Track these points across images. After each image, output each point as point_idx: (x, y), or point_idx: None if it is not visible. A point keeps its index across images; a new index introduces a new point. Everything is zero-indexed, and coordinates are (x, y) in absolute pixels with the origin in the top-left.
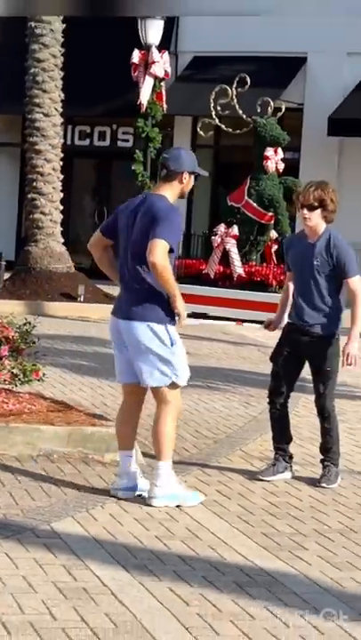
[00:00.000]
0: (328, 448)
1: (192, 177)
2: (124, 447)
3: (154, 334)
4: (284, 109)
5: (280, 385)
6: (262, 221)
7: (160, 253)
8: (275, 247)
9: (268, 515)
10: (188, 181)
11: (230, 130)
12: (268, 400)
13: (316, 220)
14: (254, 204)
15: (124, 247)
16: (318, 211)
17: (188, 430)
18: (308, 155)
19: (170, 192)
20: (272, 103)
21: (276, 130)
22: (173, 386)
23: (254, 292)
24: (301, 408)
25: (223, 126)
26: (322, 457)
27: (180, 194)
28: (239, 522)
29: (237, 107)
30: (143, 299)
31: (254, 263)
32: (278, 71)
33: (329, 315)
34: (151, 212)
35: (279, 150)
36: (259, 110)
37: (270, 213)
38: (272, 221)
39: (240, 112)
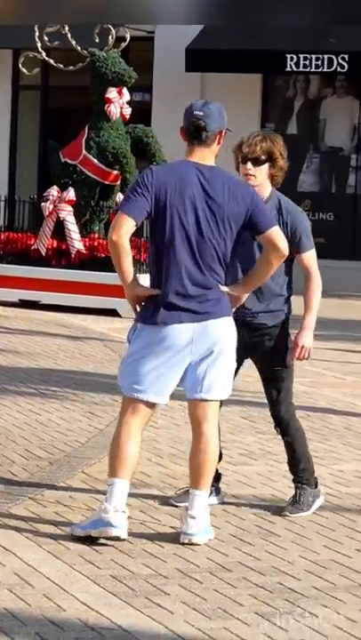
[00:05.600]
0: (295, 465)
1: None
2: (128, 476)
3: (233, 329)
4: (129, 39)
5: None
6: (106, 182)
7: None
8: None
9: (119, 552)
10: (222, 142)
11: (61, 66)
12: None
13: (262, 177)
14: (95, 161)
15: (189, 237)
16: (266, 166)
17: (16, 450)
18: (161, 96)
19: (212, 158)
20: (113, 31)
21: (120, 65)
22: None
23: (98, 271)
24: (160, 416)
25: (52, 61)
26: (292, 477)
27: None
28: (82, 563)
29: (70, 36)
30: (220, 294)
31: (97, 235)
32: None
33: (279, 300)
34: (248, 201)
35: (125, 91)
36: (97, 40)
37: (115, 172)
38: (118, 182)
39: (73, 43)
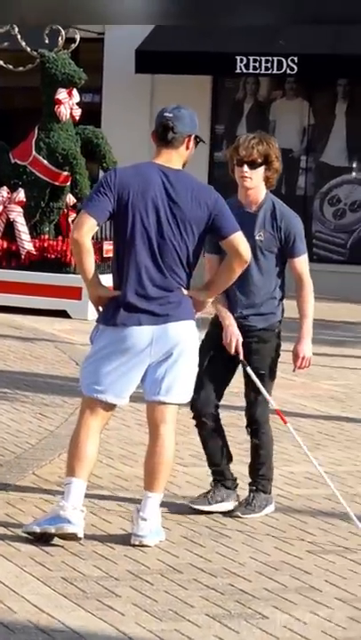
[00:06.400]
0: (256, 469)
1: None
2: (86, 476)
3: (195, 334)
4: (79, 40)
5: (208, 393)
6: (56, 183)
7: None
8: (72, 216)
9: (70, 554)
10: (192, 148)
11: (11, 66)
12: (192, 415)
13: (257, 180)
14: (45, 162)
15: (150, 238)
16: (262, 169)
17: None
18: (111, 97)
19: (179, 162)
20: (63, 32)
21: (70, 66)
22: None
23: (48, 273)
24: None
25: (2, 62)
26: (250, 480)
27: (184, 164)
28: (32, 565)
29: (19, 37)
30: (181, 297)
31: (47, 237)
32: None
33: (270, 302)
34: (211, 205)
35: (74, 92)
36: (47, 41)
37: (65, 173)
38: (68, 183)
39: (23, 44)
